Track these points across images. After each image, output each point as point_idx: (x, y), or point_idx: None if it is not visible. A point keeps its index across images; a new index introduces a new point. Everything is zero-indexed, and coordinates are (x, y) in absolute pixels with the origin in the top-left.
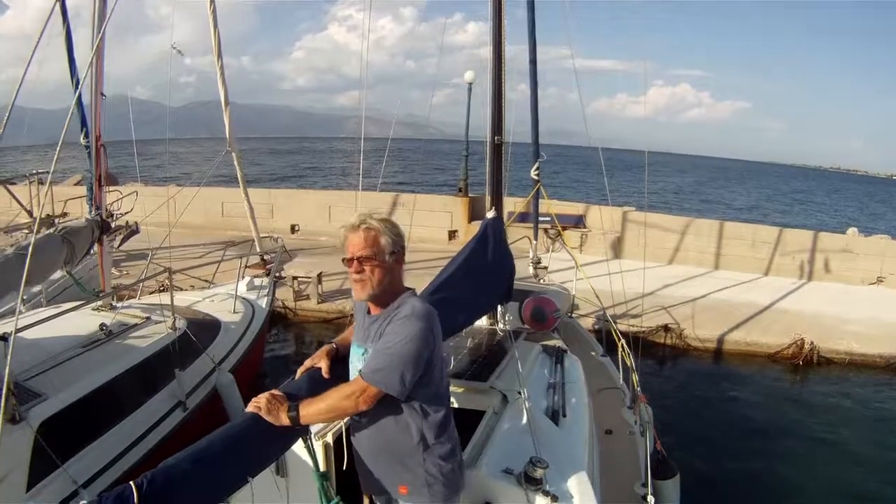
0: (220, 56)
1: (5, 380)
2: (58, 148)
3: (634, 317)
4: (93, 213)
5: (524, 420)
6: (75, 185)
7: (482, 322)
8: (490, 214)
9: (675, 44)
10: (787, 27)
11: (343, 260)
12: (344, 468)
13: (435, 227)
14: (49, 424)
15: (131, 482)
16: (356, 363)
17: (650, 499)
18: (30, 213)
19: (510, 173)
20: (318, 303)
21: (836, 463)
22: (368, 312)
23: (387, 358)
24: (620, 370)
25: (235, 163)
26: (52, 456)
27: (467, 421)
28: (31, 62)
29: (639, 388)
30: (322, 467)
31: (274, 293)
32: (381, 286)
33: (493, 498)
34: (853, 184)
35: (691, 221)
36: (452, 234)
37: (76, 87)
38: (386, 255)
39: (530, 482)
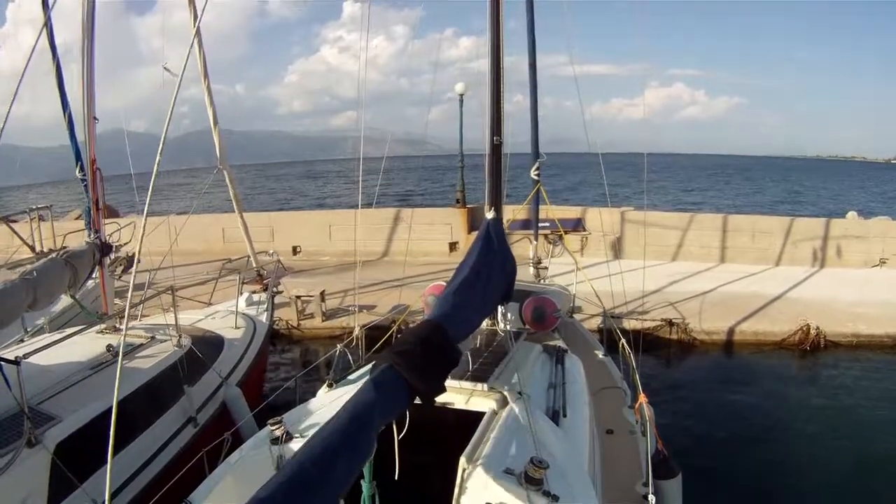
0: (206, 75)
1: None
2: None
3: (638, 315)
4: (92, 236)
5: (524, 420)
6: (76, 219)
7: (483, 323)
8: (490, 215)
9: (669, 44)
10: (776, 18)
11: None
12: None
13: (436, 240)
14: (64, 446)
15: None
16: None
17: (651, 498)
18: (32, 248)
19: (506, 182)
20: (323, 320)
21: (843, 456)
22: None
23: None
24: (621, 369)
25: (227, 180)
26: (71, 476)
27: (468, 422)
28: (14, 98)
29: (640, 388)
30: None
31: (273, 307)
32: None
33: (494, 498)
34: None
35: (692, 217)
36: (453, 246)
37: (68, 121)
38: None
39: (531, 482)
